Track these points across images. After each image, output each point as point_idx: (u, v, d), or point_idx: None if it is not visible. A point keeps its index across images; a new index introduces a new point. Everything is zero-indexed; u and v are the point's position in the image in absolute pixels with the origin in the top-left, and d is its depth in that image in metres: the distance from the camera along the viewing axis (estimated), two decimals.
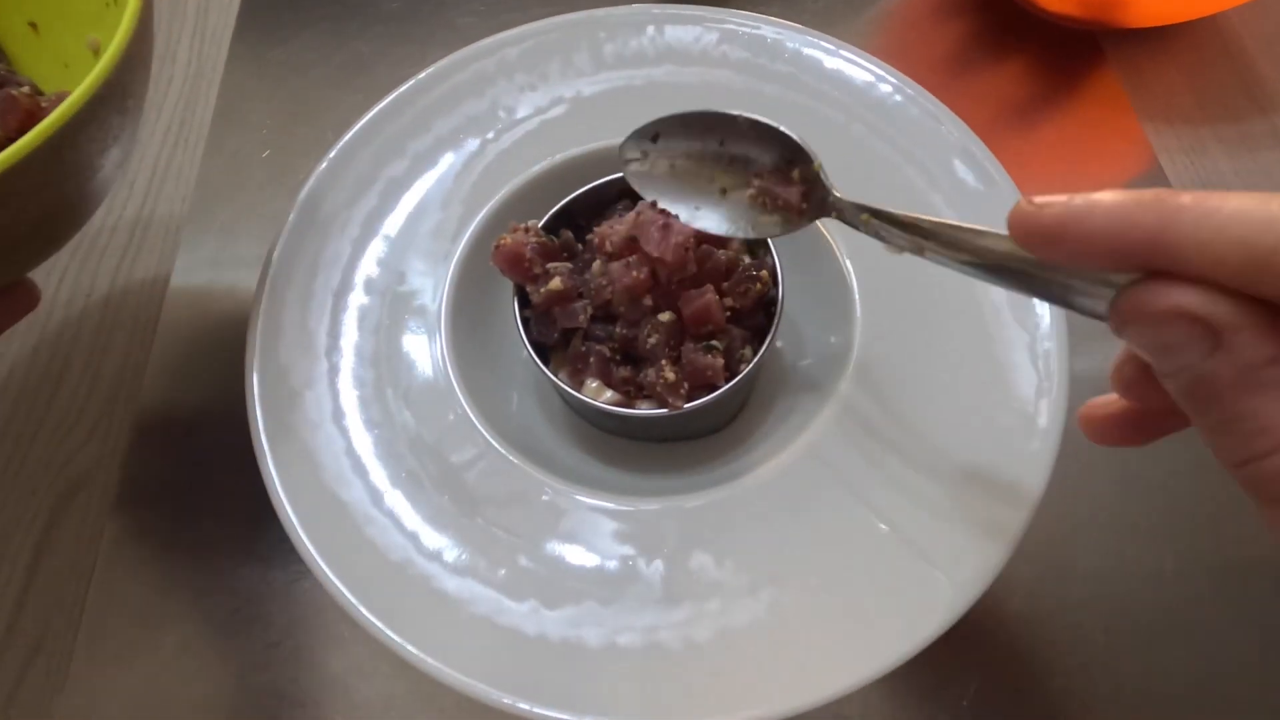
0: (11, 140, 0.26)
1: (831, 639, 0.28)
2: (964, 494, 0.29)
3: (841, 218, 0.27)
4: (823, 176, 0.28)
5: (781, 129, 0.28)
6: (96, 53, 0.34)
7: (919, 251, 0.24)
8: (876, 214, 0.25)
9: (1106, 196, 0.16)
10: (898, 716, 0.32)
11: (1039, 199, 0.18)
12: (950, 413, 0.31)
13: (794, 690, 0.27)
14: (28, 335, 0.41)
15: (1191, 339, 0.14)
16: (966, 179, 0.35)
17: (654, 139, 0.30)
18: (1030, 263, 0.19)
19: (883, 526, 0.29)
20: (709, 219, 0.30)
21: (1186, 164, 0.45)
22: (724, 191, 0.30)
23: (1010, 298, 0.32)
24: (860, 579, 0.28)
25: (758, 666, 0.27)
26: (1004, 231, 0.19)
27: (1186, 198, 0.15)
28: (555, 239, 0.33)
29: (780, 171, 0.29)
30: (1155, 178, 0.45)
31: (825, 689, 0.27)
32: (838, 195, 0.27)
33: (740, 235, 0.29)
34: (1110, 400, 0.22)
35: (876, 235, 0.25)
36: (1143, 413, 0.21)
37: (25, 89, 0.32)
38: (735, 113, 0.29)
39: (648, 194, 0.30)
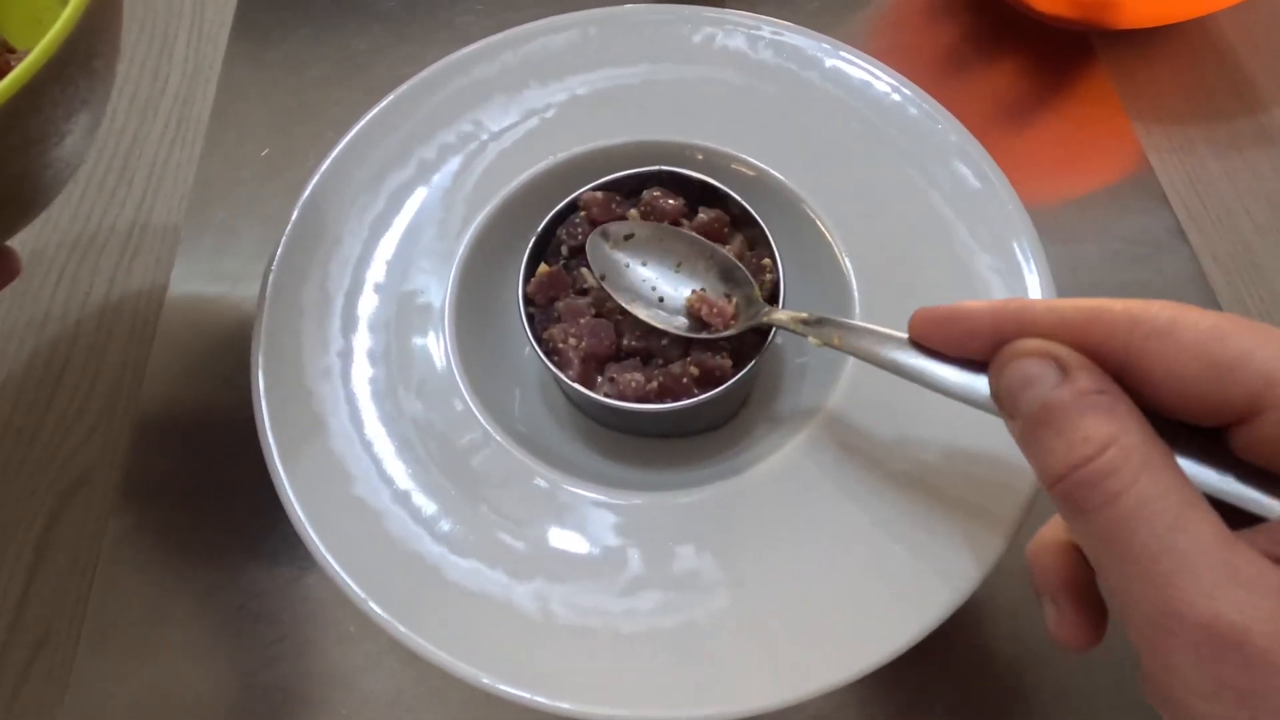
0: None
1: (815, 637, 0.28)
2: (959, 487, 0.30)
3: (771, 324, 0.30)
4: (759, 296, 0.32)
5: (738, 265, 0.32)
6: None
7: (840, 346, 0.28)
8: (807, 321, 0.29)
9: (980, 302, 0.23)
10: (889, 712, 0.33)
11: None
12: (945, 407, 0.31)
13: (781, 683, 0.27)
14: (26, 332, 0.41)
15: (1046, 371, 0.19)
16: (965, 179, 0.35)
17: (627, 237, 0.33)
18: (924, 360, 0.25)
19: (875, 525, 0.30)
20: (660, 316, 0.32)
21: (1175, 162, 0.46)
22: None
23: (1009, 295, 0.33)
24: (851, 576, 0.29)
25: (765, 655, 0.28)
26: (903, 334, 0.25)
27: (1040, 305, 0.22)
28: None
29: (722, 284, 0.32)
30: (1144, 176, 0.46)
31: (821, 679, 0.27)
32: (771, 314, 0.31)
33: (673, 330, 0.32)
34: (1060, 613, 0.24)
35: (804, 334, 0.29)
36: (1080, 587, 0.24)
37: None
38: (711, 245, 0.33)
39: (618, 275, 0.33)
